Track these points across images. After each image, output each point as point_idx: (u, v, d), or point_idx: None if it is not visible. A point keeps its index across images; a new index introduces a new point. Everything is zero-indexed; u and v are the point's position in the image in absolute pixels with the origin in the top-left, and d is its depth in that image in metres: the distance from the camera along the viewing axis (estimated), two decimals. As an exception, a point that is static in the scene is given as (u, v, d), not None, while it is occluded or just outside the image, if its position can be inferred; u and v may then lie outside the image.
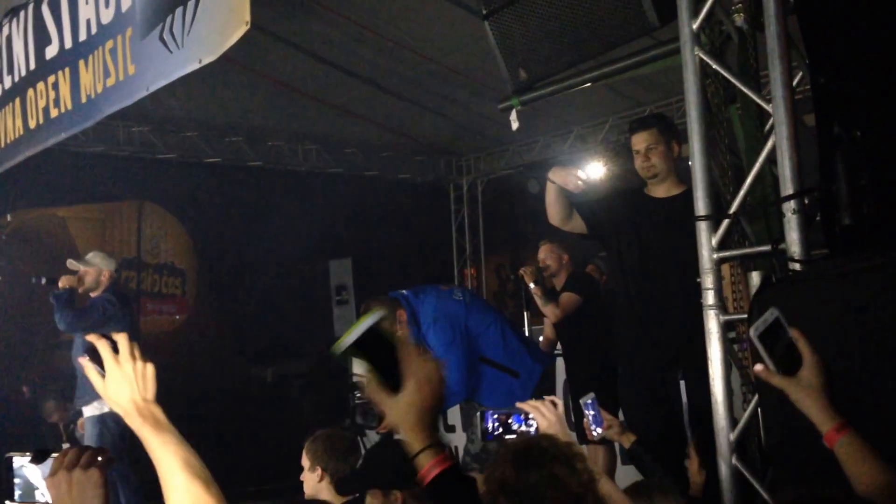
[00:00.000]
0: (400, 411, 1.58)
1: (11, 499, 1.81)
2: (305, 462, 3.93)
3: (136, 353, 1.75)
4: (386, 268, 9.99)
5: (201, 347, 10.44)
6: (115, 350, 1.73)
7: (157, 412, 1.71)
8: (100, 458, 1.72)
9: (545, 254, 6.42)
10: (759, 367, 1.96)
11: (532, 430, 2.74)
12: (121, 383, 1.71)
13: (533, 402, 2.78)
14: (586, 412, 3.74)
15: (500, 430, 2.83)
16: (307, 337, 10.16)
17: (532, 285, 6.21)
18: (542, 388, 5.47)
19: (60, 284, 6.48)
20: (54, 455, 1.75)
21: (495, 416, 2.85)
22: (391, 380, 1.57)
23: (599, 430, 3.74)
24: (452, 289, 5.46)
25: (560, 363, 6.57)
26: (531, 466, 2.14)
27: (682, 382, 4.54)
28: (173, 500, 1.61)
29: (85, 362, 1.73)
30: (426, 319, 5.22)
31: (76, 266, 6.60)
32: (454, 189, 10.39)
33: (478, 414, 5.34)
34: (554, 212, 4.57)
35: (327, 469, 3.82)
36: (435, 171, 10.16)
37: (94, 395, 6.33)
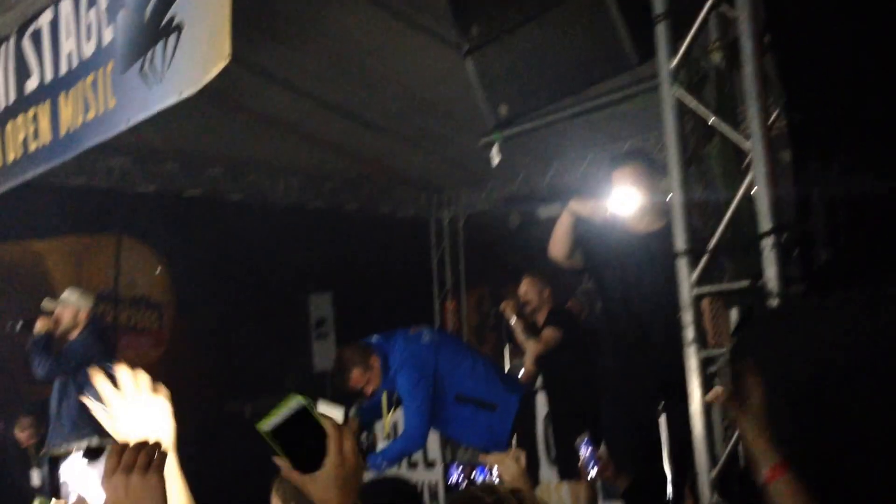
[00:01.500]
0: (323, 485, 1.54)
1: (59, 497, 1.75)
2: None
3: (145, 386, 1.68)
4: (366, 301, 9.95)
5: (178, 382, 10.20)
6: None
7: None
8: (157, 454, 1.59)
9: (526, 288, 6.42)
10: (718, 390, 1.99)
11: (496, 481, 2.75)
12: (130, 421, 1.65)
13: (497, 455, 2.82)
14: (581, 452, 3.75)
15: (465, 482, 2.85)
16: (286, 372, 10.07)
17: (513, 320, 6.22)
18: (522, 422, 5.47)
19: (36, 329, 6.22)
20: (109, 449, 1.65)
21: (460, 467, 2.89)
22: (311, 460, 1.55)
23: (594, 471, 3.74)
24: (421, 331, 5.51)
25: (541, 398, 6.55)
26: None
27: (663, 417, 4.53)
28: None
29: (88, 401, 1.68)
30: (394, 365, 5.28)
31: (52, 306, 6.37)
32: (435, 223, 10.39)
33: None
34: (561, 246, 4.46)
35: None
36: (415, 205, 10.16)
37: (66, 439, 6.01)
